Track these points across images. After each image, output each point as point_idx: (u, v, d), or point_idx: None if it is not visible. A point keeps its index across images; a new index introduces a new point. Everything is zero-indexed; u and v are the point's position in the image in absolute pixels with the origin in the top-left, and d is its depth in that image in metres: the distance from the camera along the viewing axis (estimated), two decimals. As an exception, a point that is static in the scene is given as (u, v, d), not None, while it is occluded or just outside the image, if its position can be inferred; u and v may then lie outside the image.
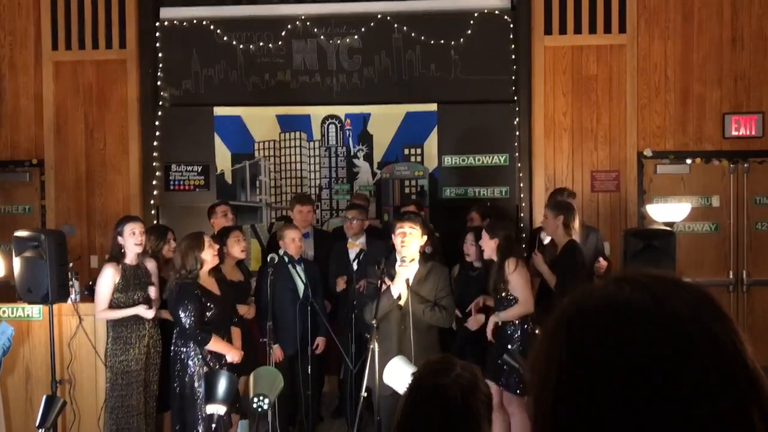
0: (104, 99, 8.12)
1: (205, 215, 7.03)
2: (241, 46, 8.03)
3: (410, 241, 4.87)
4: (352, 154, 7.98)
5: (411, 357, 4.34)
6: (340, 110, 7.98)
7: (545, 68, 7.74)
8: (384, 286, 4.85)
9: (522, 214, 7.74)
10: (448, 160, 7.86)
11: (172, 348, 5.21)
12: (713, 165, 7.73)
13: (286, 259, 5.87)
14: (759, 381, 0.84)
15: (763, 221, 7.74)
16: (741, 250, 7.74)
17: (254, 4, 8.10)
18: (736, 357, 0.84)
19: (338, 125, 7.99)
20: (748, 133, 7.69)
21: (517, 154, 7.79)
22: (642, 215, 7.57)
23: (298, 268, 5.96)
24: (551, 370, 0.87)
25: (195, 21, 8.09)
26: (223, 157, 8.06)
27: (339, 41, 7.97)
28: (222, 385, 4.09)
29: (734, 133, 7.68)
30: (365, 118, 7.95)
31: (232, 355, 5.17)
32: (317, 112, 8.00)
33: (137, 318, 5.43)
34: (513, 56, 7.84)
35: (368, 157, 7.96)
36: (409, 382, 2.43)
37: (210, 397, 4.08)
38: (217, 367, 5.06)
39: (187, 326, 5.01)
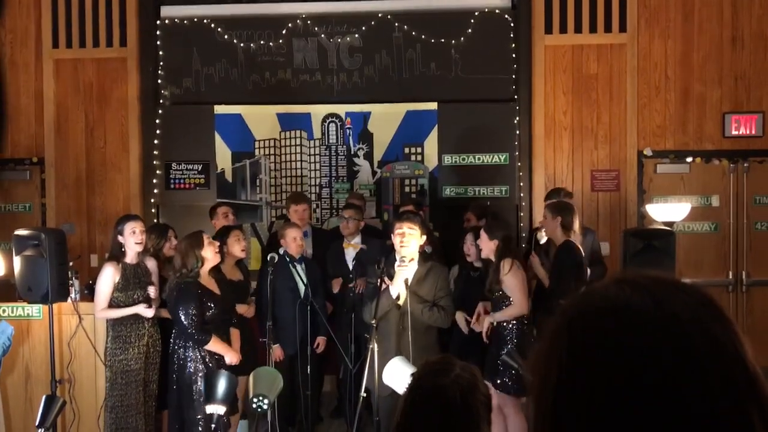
0: (105, 97, 8.12)
1: (205, 214, 7.04)
2: (242, 45, 8.03)
3: (409, 241, 4.87)
4: (352, 152, 7.98)
5: (410, 357, 4.34)
6: (341, 109, 7.98)
7: (545, 67, 7.74)
8: (383, 286, 4.85)
9: (522, 214, 7.74)
10: (449, 159, 7.86)
11: (170, 347, 5.20)
12: (713, 164, 7.73)
13: (287, 259, 5.87)
14: (759, 383, 0.84)
15: (763, 221, 7.74)
16: (741, 250, 7.74)
17: (255, 3, 8.11)
18: (736, 359, 0.84)
19: (338, 124, 7.99)
20: (748, 132, 7.69)
21: (517, 153, 7.79)
22: (642, 215, 7.57)
23: (299, 267, 5.96)
24: (551, 371, 0.87)
25: (195, 19, 8.09)
26: (223, 156, 8.06)
27: (339, 40, 7.97)
28: (221, 386, 4.09)
29: (734, 132, 7.68)
30: (365, 116, 7.95)
31: (231, 357, 5.17)
32: (318, 111, 8.00)
33: (137, 317, 5.43)
34: (513, 55, 7.84)
35: (368, 156, 7.96)
36: (409, 382, 2.44)
37: (210, 397, 4.08)
38: (216, 367, 5.05)
39: (187, 326, 5.01)
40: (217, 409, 4.09)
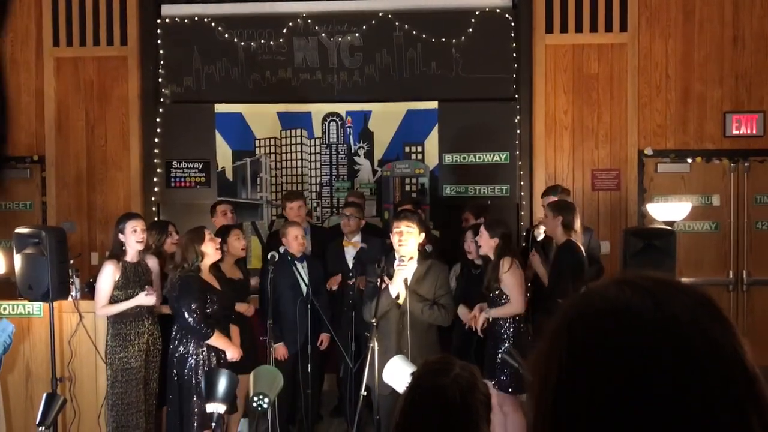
0: (105, 95, 8.12)
1: (206, 212, 7.05)
2: (243, 44, 8.04)
3: (407, 240, 4.86)
4: (352, 151, 7.98)
5: (410, 356, 4.35)
6: (341, 108, 7.98)
7: (546, 66, 7.75)
8: (383, 285, 4.85)
9: (522, 213, 7.74)
10: (449, 158, 7.86)
11: (171, 343, 5.19)
12: (714, 164, 7.73)
13: (288, 257, 5.87)
14: (757, 384, 0.84)
15: (764, 220, 7.74)
16: (741, 249, 7.74)
17: (255, 2, 8.11)
18: (735, 360, 0.85)
19: (339, 123, 8.00)
20: (748, 132, 7.69)
21: (517, 153, 7.79)
22: (642, 214, 7.57)
23: (300, 265, 5.96)
24: (551, 371, 0.87)
25: (196, 18, 8.09)
26: (224, 154, 8.06)
27: (340, 39, 7.98)
28: (222, 384, 4.09)
29: (735, 132, 7.68)
30: (366, 115, 7.95)
31: (232, 352, 5.17)
32: (318, 110, 8.00)
33: (137, 315, 5.43)
34: (514, 54, 7.84)
35: (369, 155, 7.96)
36: (408, 381, 2.44)
37: (210, 395, 4.09)
38: (216, 363, 5.06)
39: (190, 319, 5.00)
40: (217, 407, 4.09)
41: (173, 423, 5.15)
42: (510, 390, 5.23)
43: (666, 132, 7.73)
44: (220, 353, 5.15)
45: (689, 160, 7.72)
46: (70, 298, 5.78)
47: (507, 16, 7.85)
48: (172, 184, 8.13)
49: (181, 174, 8.11)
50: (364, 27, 7.94)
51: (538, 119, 7.75)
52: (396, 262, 4.85)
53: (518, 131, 7.79)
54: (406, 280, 4.81)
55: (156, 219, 7.68)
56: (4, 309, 5.92)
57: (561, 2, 7.73)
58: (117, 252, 5.47)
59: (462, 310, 5.65)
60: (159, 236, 5.88)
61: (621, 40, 7.71)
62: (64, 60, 8.15)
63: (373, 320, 4.65)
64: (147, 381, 5.48)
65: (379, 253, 5.25)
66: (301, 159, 8.03)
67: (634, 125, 7.70)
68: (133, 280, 5.45)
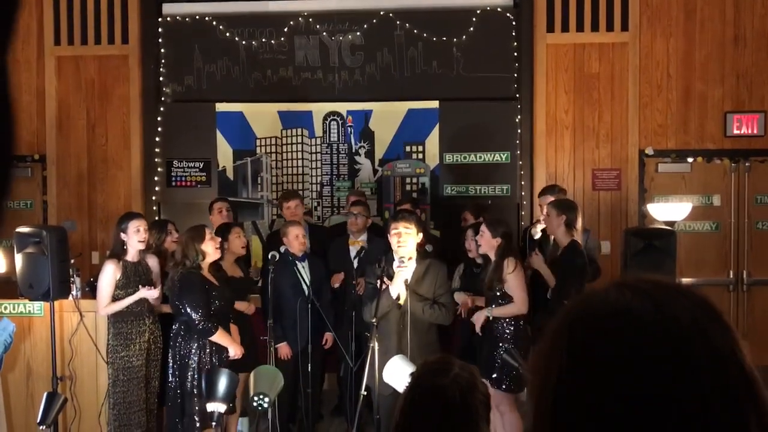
0: (106, 94, 8.13)
1: (206, 211, 7.04)
2: (244, 43, 8.04)
3: (406, 240, 4.87)
4: (353, 151, 7.98)
5: (410, 356, 4.35)
6: (342, 107, 7.98)
7: (547, 66, 7.74)
8: (384, 286, 4.85)
9: (523, 212, 7.74)
10: (450, 158, 7.86)
11: (172, 341, 5.19)
12: (714, 164, 7.73)
13: (289, 257, 5.87)
14: (756, 387, 0.85)
15: (764, 220, 7.74)
16: (741, 249, 7.74)
17: (257, 0, 8.11)
18: (734, 363, 0.85)
19: (340, 122, 8.00)
20: (749, 131, 7.68)
21: (518, 152, 7.79)
22: (643, 214, 7.57)
23: (301, 265, 5.96)
24: (552, 371, 0.88)
25: (197, 17, 8.09)
26: (224, 154, 8.07)
27: (341, 38, 7.98)
28: (222, 383, 4.10)
29: (736, 131, 7.68)
30: (367, 115, 7.95)
31: (235, 350, 5.17)
32: (319, 109, 8.00)
33: (138, 314, 5.43)
34: (515, 54, 7.84)
35: (369, 155, 7.96)
36: (408, 381, 2.44)
37: (210, 394, 4.09)
38: (217, 363, 5.06)
39: (194, 315, 4.99)
40: (217, 406, 4.10)
41: (173, 422, 5.15)
42: (504, 387, 5.22)
43: (667, 132, 7.73)
44: (221, 352, 5.15)
45: (690, 160, 7.72)
46: (70, 298, 5.78)
47: (508, 15, 7.85)
48: (173, 183, 8.13)
49: (182, 173, 8.12)
50: (365, 26, 7.95)
51: (539, 119, 7.75)
52: (396, 264, 4.85)
53: (519, 131, 7.79)
54: (406, 281, 4.81)
55: (156, 218, 7.69)
56: (5, 308, 5.93)
57: (562, 1, 7.73)
58: (118, 251, 5.47)
59: (460, 297, 5.64)
60: (159, 235, 5.88)
61: (622, 39, 7.71)
62: (65, 59, 8.15)
63: (374, 320, 4.65)
64: (148, 380, 5.49)
65: (381, 254, 5.24)
66: (302, 158, 8.04)
67: (635, 125, 7.70)
68: (133, 279, 5.45)
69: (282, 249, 5.92)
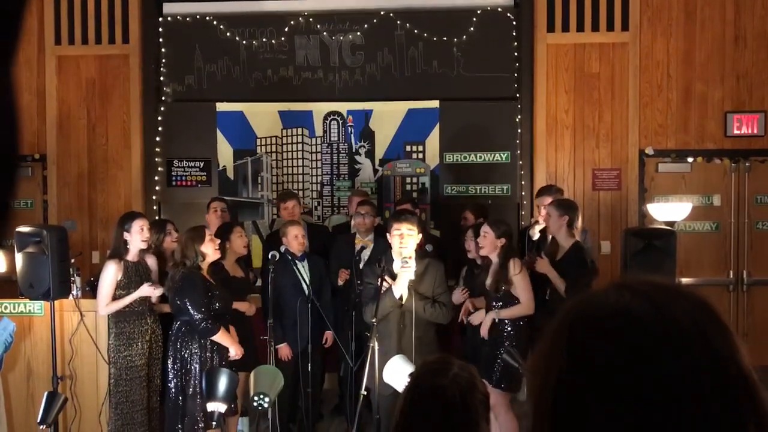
0: (107, 94, 8.13)
1: (205, 211, 7.03)
2: (244, 42, 8.04)
3: (408, 242, 4.87)
4: (353, 150, 7.98)
5: (410, 355, 4.36)
6: (342, 107, 7.99)
7: (548, 66, 7.75)
8: (384, 286, 4.84)
9: (523, 212, 7.75)
10: (450, 158, 7.87)
11: (172, 340, 5.18)
12: (714, 164, 7.73)
13: (289, 257, 5.87)
14: (754, 388, 0.86)
15: (764, 221, 7.74)
16: (741, 249, 7.74)
17: (257, 0, 8.11)
18: (734, 365, 0.86)
19: (340, 122, 8.00)
20: (749, 131, 7.68)
21: (518, 152, 7.79)
22: (643, 214, 7.57)
23: (300, 264, 5.96)
24: (552, 371, 0.89)
25: (198, 16, 8.10)
26: (225, 153, 8.07)
27: (342, 38, 7.98)
28: (222, 383, 4.10)
29: (736, 131, 7.68)
30: (367, 114, 7.95)
31: (236, 350, 5.17)
32: (319, 109, 8.00)
33: (139, 314, 5.43)
34: (515, 53, 7.84)
35: (370, 154, 7.97)
36: (407, 382, 2.44)
37: (210, 394, 4.10)
38: (218, 363, 5.06)
39: (197, 315, 4.99)
40: (218, 406, 4.11)
41: (173, 421, 5.15)
42: (503, 386, 5.22)
43: (667, 131, 7.73)
44: (222, 352, 5.15)
45: (690, 160, 7.72)
46: (71, 297, 5.78)
47: (508, 15, 7.85)
48: (173, 183, 8.14)
49: (182, 173, 8.12)
50: (365, 26, 7.95)
51: (539, 118, 7.75)
52: (399, 264, 4.85)
53: (519, 130, 7.79)
54: (411, 281, 4.82)
55: (157, 218, 7.69)
56: (5, 308, 5.93)
57: (563, 1, 7.73)
58: (120, 251, 5.46)
59: (456, 296, 5.62)
60: (158, 235, 5.88)
61: (622, 39, 7.71)
62: (66, 58, 8.15)
63: (374, 320, 4.65)
64: (150, 379, 5.49)
65: (381, 254, 5.24)
66: (302, 158, 8.04)
67: (635, 125, 7.70)
68: (135, 279, 5.45)
69: (282, 249, 5.92)
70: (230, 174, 8.08)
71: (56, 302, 5.65)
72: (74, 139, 8.15)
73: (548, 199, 5.91)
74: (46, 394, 4.87)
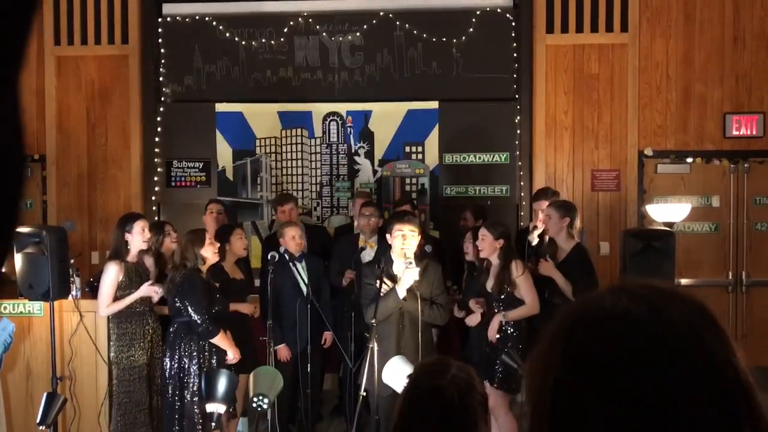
0: (106, 94, 8.13)
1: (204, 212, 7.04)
2: (243, 43, 8.05)
3: (410, 243, 4.88)
4: (353, 151, 7.99)
5: (410, 356, 4.36)
6: (342, 107, 7.99)
7: (547, 67, 7.75)
8: (384, 289, 4.84)
9: (522, 213, 7.75)
10: (449, 158, 7.87)
11: (170, 341, 5.18)
12: (714, 165, 7.73)
13: (287, 257, 5.87)
14: (750, 391, 0.86)
15: (763, 221, 7.74)
16: (740, 250, 7.74)
17: (256, 1, 8.11)
18: (730, 368, 0.86)
19: (339, 122, 8.00)
20: (748, 132, 7.69)
21: (517, 153, 7.80)
22: (642, 215, 7.57)
23: (299, 265, 5.96)
24: (550, 372, 0.89)
25: (197, 17, 8.10)
26: (224, 154, 8.07)
27: (341, 38, 7.98)
28: (222, 384, 4.11)
29: (735, 132, 7.68)
30: (366, 115, 7.96)
31: (234, 353, 5.18)
32: (318, 109, 8.00)
33: (141, 314, 5.43)
34: (515, 54, 7.85)
35: (369, 155, 7.97)
36: (406, 383, 2.45)
37: (210, 395, 4.10)
38: (217, 364, 5.06)
39: (197, 316, 4.99)
40: (217, 407, 4.11)
41: (170, 423, 5.15)
42: (504, 388, 5.21)
43: (666, 132, 7.74)
44: (220, 354, 5.15)
45: (689, 161, 7.72)
46: (70, 298, 5.78)
47: (508, 15, 7.86)
48: (173, 184, 8.14)
49: (182, 173, 8.12)
50: (365, 26, 7.95)
51: (539, 119, 7.75)
52: (403, 265, 4.85)
53: (518, 131, 7.80)
54: (416, 282, 4.82)
55: (156, 218, 7.69)
56: (5, 308, 5.93)
57: (562, 2, 7.74)
58: (121, 252, 5.46)
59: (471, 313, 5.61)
60: (157, 236, 5.88)
61: (622, 40, 7.71)
62: (66, 59, 8.15)
63: (373, 321, 4.66)
64: (151, 378, 5.49)
65: (381, 255, 5.24)
66: (302, 158, 8.04)
67: (635, 126, 7.70)
68: (135, 280, 5.45)
69: (281, 249, 5.92)
70: (229, 175, 8.08)
71: (56, 303, 5.65)
72: (74, 139, 8.15)
73: (545, 203, 5.89)
74: (45, 394, 4.87)
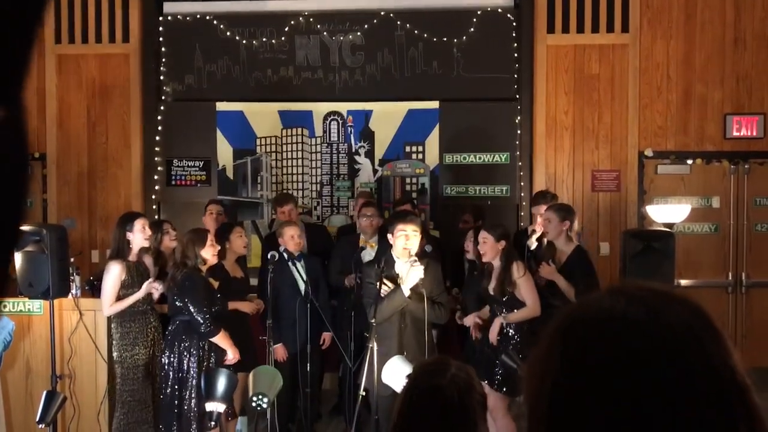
0: (107, 93, 8.13)
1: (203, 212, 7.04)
2: (244, 42, 8.05)
3: (413, 243, 4.89)
4: (353, 150, 7.99)
5: (411, 355, 4.37)
6: (342, 107, 7.99)
7: (547, 67, 7.75)
8: (384, 290, 4.84)
9: (522, 213, 7.75)
10: (449, 158, 7.87)
11: (169, 340, 5.19)
12: (714, 165, 7.73)
13: (286, 257, 5.88)
14: (747, 394, 0.86)
15: (763, 222, 7.74)
16: (740, 251, 7.74)
17: (257, 0, 8.11)
18: (728, 370, 0.86)
19: (340, 122, 8.00)
20: (749, 133, 7.69)
21: (518, 153, 7.79)
22: (642, 215, 7.57)
23: (298, 265, 5.96)
24: (548, 374, 0.89)
25: (198, 16, 8.10)
26: (224, 153, 8.07)
27: (342, 38, 7.98)
28: (221, 383, 4.11)
29: (735, 133, 7.68)
30: (367, 115, 7.96)
31: (233, 353, 5.18)
32: (319, 109, 8.00)
33: (143, 312, 5.44)
34: (515, 54, 7.84)
35: (369, 154, 7.97)
36: (406, 382, 2.45)
37: (209, 394, 4.10)
38: (216, 363, 5.07)
39: (198, 315, 4.99)
40: (216, 406, 4.11)
41: (168, 422, 5.15)
42: (505, 390, 5.21)
43: (666, 133, 7.74)
44: (219, 353, 5.16)
45: (689, 162, 7.72)
46: (70, 296, 5.78)
47: (508, 16, 7.85)
48: (173, 182, 8.14)
49: (182, 172, 8.12)
50: (365, 26, 7.95)
51: (539, 119, 7.75)
52: (408, 264, 4.85)
53: (519, 131, 7.80)
54: (421, 280, 4.83)
55: (156, 217, 7.69)
56: (5, 306, 5.92)
57: (563, 2, 7.73)
58: (123, 251, 5.46)
59: (470, 320, 5.60)
60: (155, 235, 5.88)
61: (622, 41, 7.71)
62: (66, 57, 8.16)
63: (373, 321, 4.66)
64: (153, 377, 5.50)
65: (382, 255, 5.24)
66: (302, 158, 8.04)
67: (635, 126, 7.70)
68: (137, 279, 5.46)
69: (281, 248, 5.92)
70: (230, 174, 8.08)
71: (55, 301, 5.65)
72: (74, 138, 8.15)
73: (544, 207, 5.88)
74: (45, 393, 4.88)
